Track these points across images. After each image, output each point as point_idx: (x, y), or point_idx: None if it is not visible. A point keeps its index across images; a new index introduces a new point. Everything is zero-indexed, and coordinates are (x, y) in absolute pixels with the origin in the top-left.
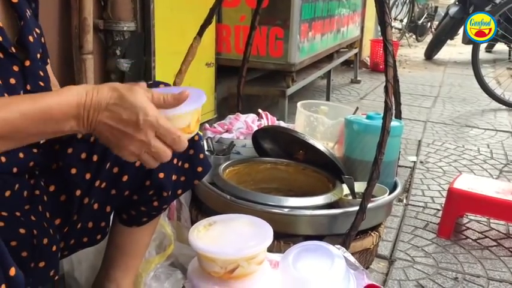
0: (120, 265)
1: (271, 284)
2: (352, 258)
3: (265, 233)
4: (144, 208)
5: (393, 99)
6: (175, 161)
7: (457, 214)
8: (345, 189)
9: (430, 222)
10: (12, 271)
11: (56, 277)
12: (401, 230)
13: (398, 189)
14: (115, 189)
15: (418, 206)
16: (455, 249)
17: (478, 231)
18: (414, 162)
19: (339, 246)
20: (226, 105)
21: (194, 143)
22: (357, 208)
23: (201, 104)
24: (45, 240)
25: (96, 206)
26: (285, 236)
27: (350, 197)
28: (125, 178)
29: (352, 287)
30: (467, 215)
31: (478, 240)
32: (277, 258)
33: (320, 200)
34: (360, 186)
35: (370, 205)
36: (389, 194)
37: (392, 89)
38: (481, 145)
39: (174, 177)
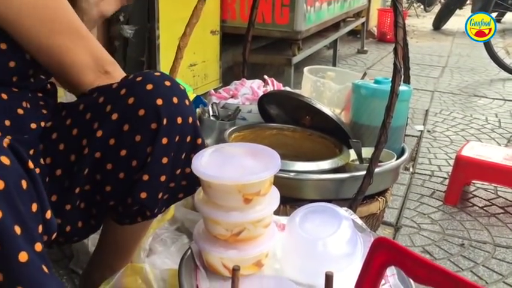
0: (114, 255)
1: (278, 245)
2: (359, 221)
3: (273, 195)
4: (128, 222)
5: (402, 62)
6: (163, 178)
7: (464, 181)
8: (352, 155)
9: (437, 190)
10: (49, 214)
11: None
12: (407, 198)
13: (406, 155)
14: (100, 195)
15: (425, 174)
16: (461, 217)
17: (485, 199)
18: (421, 131)
19: (346, 208)
20: (231, 74)
21: (196, 147)
22: (364, 172)
23: (276, 169)
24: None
25: (82, 205)
26: (291, 200)
27: (357, 162)
28: (108, 188)
29: (360, 248)
30: (474, 183)
31: (485, 208)
32: (284, 221)
33: (327, 164)
34: (367, 152)
35: (377, 169)
36: (397, 159)
37: (402, 52)
38: (489, 114)
39: (162, 195)
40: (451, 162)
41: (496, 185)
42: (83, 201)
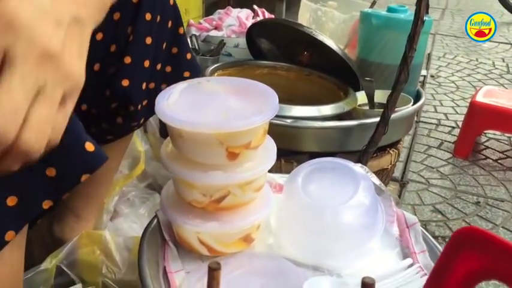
0: (79, 193)
1: (273, 214)
2: (376, 180)
3: (268, 148)
4: (106, 125)
5: None
6: (146, 63)
7: (478, 131)
8: (360, 99)
9: (445, 140)
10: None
11: None
12: (413, 149)
13: (423, 99)
14: None
15: (431, 123)
16: (474, 171)
17: (498, 151)
18: (424, 76)
19: (361, 165)
20: (216, 9)
21: (178, 37)
22: (376, 119)
23: (273, 112)
24: None
25: None
26: (287, 153)
27: (366, 107)
28: None
29: (380, 219)
30: (485, 133)
31: (499, 161)
32: (281, 181)
33: (330, 109)
34: (377, 96)
35: (393, 116)
36: (413, 104)
37: None
38: (495, 59)
39: (146, 85)
40: (459, 109)
41: (510, 135)
42: None
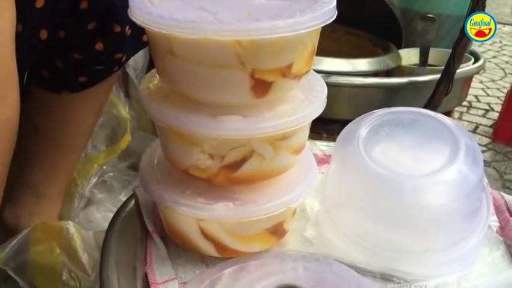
0: (40, 163)
1: (315, 195)
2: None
3: (316, 85)
4: (79, 55)
5: None
6: None
7: None
8: (403, 58)
9: (480, 124)
10: None
11: None
12: None
13: (482, 59)
14: (22, 25)
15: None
16: None
17: None
18: None
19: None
20: None
21: None
22: (432, 77)
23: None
24: None
25: None
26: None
27: (414, 66)
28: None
29: (485, 202)
30: None
31: None
32: (322, 148)
33: (371, 64)
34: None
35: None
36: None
37: None
38: None
39: None
40: (490, 91)
41: None
42: None
